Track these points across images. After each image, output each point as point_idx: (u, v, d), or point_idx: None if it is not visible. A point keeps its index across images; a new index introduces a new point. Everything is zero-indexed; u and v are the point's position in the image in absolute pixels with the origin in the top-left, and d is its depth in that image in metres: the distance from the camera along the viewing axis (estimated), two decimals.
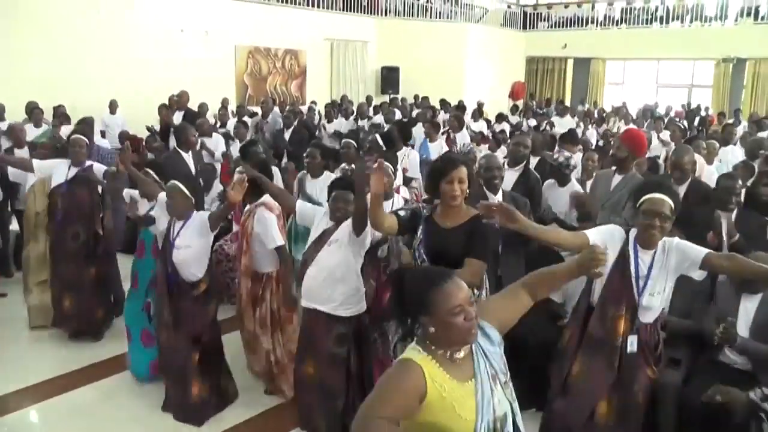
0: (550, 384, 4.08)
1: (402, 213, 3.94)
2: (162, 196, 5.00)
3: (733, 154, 9.02)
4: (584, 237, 3.64)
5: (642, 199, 3.62)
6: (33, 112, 9.98)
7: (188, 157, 7.37)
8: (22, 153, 7.28)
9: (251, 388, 5.29)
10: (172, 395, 4.92)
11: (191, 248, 4.68)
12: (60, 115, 10.45)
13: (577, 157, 6.93)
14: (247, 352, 5.32)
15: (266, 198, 4.98)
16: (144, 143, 9.71)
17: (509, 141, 7.96)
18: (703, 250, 3.53)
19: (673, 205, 3.58)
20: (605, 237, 3.67)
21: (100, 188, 6.17)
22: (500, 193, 5.05)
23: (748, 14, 20.50)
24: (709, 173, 7.19)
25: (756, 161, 7.69)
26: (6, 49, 12.51)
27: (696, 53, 21.10)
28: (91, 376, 5.51)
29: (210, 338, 4.93)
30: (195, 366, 4.80)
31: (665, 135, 11.44)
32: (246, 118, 12.39)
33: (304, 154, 6.30)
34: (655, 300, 3.63)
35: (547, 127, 14.02)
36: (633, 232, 3.70)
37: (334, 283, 4.23)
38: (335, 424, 4.38)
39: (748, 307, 4.30)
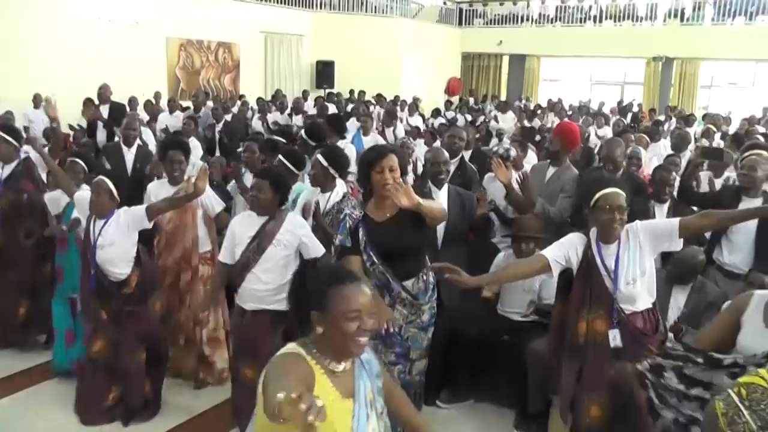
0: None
1: (348, 244, 3.89)
2: (78, 195, 4.76)
3: (664, 148, 9.18)
4: (543, 259, 3.68)
5: (596, 197, 3.58)
6: None
7: (129, 153, 6.99)
8: None
9: (180, 391, 5.09)
10: (120, 399, 4.64)
11: (115, 246, 4.44)
12: None
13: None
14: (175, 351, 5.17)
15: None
16: (72, 139, 9.36)
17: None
18: (674, 221, 3.56)
19: (626, 195, 3.59)
20: (567, 249, 3.69)
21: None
22: (445, 188, 4.98)
23: (675, 15, 21.01)
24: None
25: (681, 154, 7.89)
26: None
27: (628, 52, 21.44)
28: (11, 386, 5.10)
29: (156, 340, 4.74)
30: (143, 366, 4.62)
31: (606, 131, 11.67)
32: (177, 113, 12.10)
33: (241, 149, 6.19)
34: (635, 287, 3.57)
35: (491, 122, 14.10)
36: (593, 232, 3.67)
37: (281, 279, 4.13)
38: None
39: (678, 299, 4.40)
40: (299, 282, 2.33)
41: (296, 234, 4.16)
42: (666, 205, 5.29)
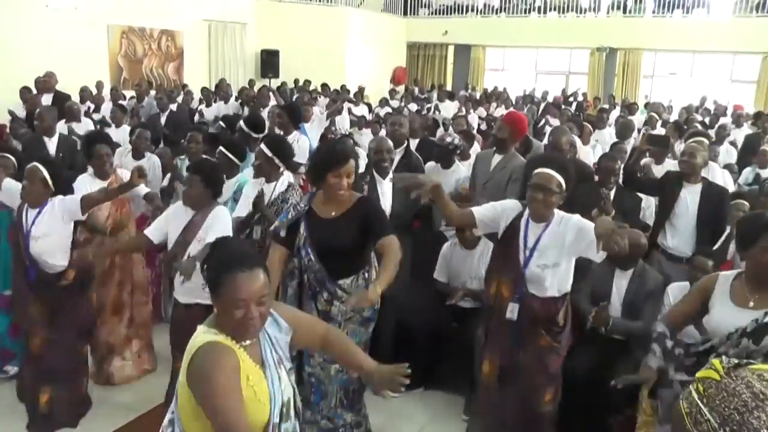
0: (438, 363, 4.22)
1: (282, 233, 3.85)
2: (6, 182, 4.59)
3: (610, 136, 9.32)
4: (470, 213, 3.77)
5: (533, 173, 3.66)
6: None
7: (51, 143, 6.80)
8: None
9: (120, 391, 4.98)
10: (56, 400, 4.39)
11: (51, 236, 4.25)
12: None
13: None
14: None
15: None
16: (8, 129, 9.06)
17: None
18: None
19: (562, 181, 3.60)
20: (498, 212, 3.77)
21: None
22: (390, 176, 4.94)
23: (618, 7, 21.41)
24: (585, 153, 7.39)
25: (626, 141, 8.06)
26: None
27: (572, 42, 21.76)
28: None
29: (92, 334, 4.62)
30: (85, 361, 4.50)
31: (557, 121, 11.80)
32: (121, 102, 11.85)
33: (185, 139, 6.15)
34: (544, 273, 3.63)
35: (435, 112, 14.13)
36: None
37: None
38: None
39: (620, 284, 4.43)
40: (209, 256, 2.31)
41: (214, 230, 4.03)
42: (612, 193, 5.35)
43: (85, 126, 8.81)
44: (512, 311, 3.68)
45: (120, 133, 8.37)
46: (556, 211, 3.66)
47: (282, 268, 3.88)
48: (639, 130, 10.62)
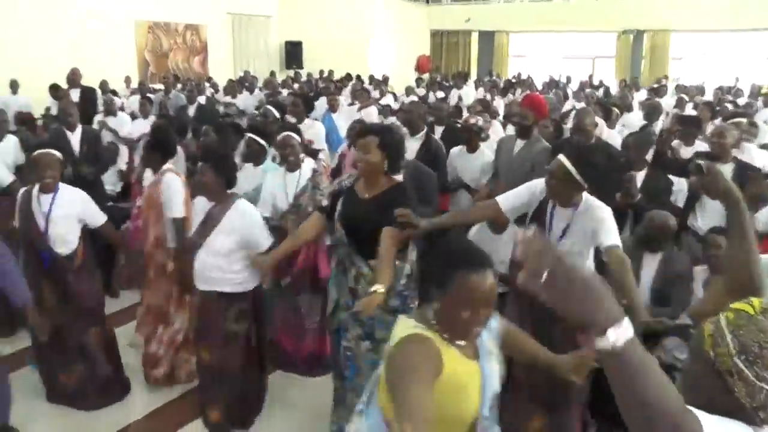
0: None
1: (324, 203, 3.91)
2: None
3: (639, 120, 9.18)
4: (494, 205, 3.64)
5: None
6: None
7: (73, 137, 6.79)
8: None
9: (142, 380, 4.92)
10: (85, 379, 4.49)
11: (72, 219, 4.33)
12: None
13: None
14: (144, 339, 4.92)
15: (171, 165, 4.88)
16: (42, 124, 9.24)
17: None
18: (606, 241, 3.37)
19: (569, 166, 3.39)
20: (523, 197, 3.64)
21: None
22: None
23: None
24: (611, 136, 7.28)
25: (654, 123, 7.96)
26: None
27: (598, 26, 21.53)
28: None
29: (103, 317, 4.64)
30: (97, 342, 4.50)
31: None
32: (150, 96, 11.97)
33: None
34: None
35: (458, 100, 14.06)
36: None
37: (227, 265, 4.07)
38: (234, 406, 4.27)
39: (649, 267, 4.28)
40: (430, 253, 2.25)
41: (242, 222, 4.05)
42: (642, 173, 5.26)
43: (120, 121, 8.94)
44: None
45: (147, 125, 8.64)
46: (585, 196, 3.51)
47: (315, 234, 4.00)
48: (668, 113, 10.46)
